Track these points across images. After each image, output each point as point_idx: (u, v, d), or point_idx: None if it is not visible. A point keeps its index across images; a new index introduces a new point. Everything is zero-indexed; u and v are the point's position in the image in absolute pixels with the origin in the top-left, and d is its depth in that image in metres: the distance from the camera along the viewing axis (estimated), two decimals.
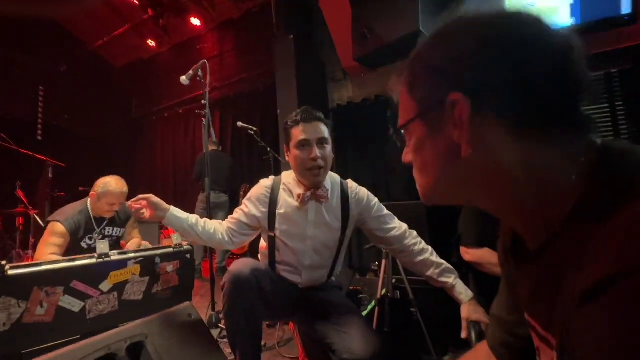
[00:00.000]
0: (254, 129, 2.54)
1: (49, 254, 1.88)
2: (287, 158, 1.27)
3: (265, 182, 1.30)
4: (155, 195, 1.16)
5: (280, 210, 1.23)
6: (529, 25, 0.35)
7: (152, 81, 5.91)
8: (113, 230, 2.15)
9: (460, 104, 0.36)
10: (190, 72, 1.98)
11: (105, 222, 2.10)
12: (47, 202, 3.34)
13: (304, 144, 1.16)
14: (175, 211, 1.16)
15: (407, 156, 0.45)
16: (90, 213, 2.04)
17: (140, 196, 1.14)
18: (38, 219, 3.46)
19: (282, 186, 1.27)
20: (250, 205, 1.26)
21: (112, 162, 6.12)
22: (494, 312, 0.58)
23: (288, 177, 1.29)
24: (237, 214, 1.27)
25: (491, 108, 0.35)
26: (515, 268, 0.45)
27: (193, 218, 1.18)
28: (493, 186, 0.37)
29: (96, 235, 2.08)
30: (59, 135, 5.41)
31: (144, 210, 1.11)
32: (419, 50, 0.42)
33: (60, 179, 3.89)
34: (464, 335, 1.04)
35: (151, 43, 5.45)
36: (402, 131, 0.44)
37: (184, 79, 1.98)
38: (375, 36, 2.76)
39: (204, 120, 2.00)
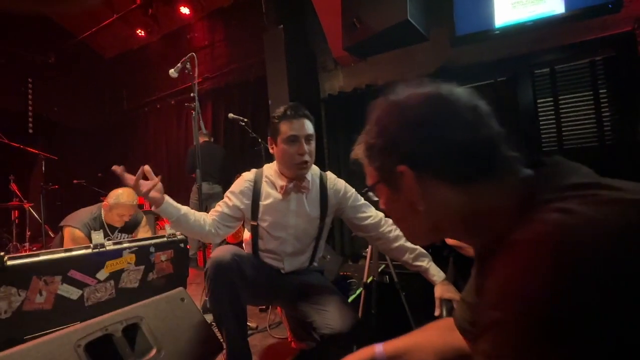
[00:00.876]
0: (245, 120, 2.56)
1: None
2: (271, 150, 1.32)
3: (248, 176, 1.35)
4: None
5: (263, 202, 1.29)
6: (442, 105, 0.45)
7: (142, 72, 5.85)
8: (121, 236, 2.22)
9: (406, 174, 0.46)
10: (179, 65, 2.00)
11: (117, 230, 2.19)
12: (41, 195, 3.36)
13: (292, 140, 1.22)
14: (170, 200, 1.19)
15: (383, 206, 0.55)
16: (104, 220, 2.12)
17: (150, 181, 1.11)
18: (33, 212, 3.50)
19: (264, 179, 1.33)
20: (234, 198, 1.30)
21: (105, 155, 6.12)
22: (464, 295, 0.67)
23: (269, 169, 1.35)
24: (220, 207, 1.30)
25: (429, 172, 0.45)
26: (481, 267, 0.53)
27: (184, 209, 1.21)
28: (451, 226, 0.48)
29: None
30: (49, 127, 5.37)
31: (143, 185, 1.09)
32: (368, 131, 0.52)
33: (53, 172, 3.90)
34: (437, 312, 1.12)
35: (140, 33, 5.37)
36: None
37: (172, 72, 1.99)
38: (365, 26, 2.76)
39: (194, 113, 2.02)
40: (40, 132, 5.06)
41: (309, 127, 1.24)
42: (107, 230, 2.14)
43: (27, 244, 3.49)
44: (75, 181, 4.36)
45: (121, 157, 6.14)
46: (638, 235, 0.29)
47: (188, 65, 1.99)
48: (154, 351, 0.96)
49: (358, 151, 0.55)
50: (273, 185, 1.31)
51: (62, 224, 2.10)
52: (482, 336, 0.34)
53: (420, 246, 1.35)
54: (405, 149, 0.46)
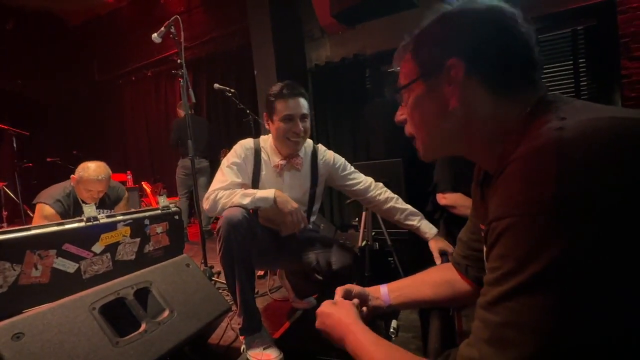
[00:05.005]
0: (232, 90, 2.48)
1: None
2: (267, 126, 1.37)
3: (248, 143, 1.37)
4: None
5: (262, 173, 1.35)
6: (510, 17, 0.47)
7: (113, 41, 5.45)
8: (103, 212, 2.10)
9: (457, 67, 0.46)
10: (162, 29, 1.87)
11: (97, 204, 2.02)
12: (16, 173, 3.19)
13: (288, 119, 1.28)
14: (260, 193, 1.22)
15: (402, 116, 0.55)
16: (77, 195, 1.97)
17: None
18: (8, 192, 3.33)
19: (262, 150, 1.38)
20: (241, 162, 1.32)
21: (78, 131, 5.80)
22: (460, 235, 0.72)
23: (265, 142, 1.40)
24: (232, 170, 1.29)
25: (478, 73, 0.46)
26: (482, 196, 0.58)
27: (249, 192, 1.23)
28: (471, 134, 0.49)
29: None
30: (14, 101, 5.00)
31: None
32: (425, 26, 0.52)
33: (24, 149, 3.69)
34: (439, 262, 1.19)
35: None
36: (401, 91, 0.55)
37: (155, 36, 1.87)
38: None
39: (182, 80, 1.93)
40: (5, 106, 4.70)
41: (304, 105, 1.31)
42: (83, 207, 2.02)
43: (4, 224, 3.35)
44: (49, 159, 4.14)
45: (96, 132, 5.85)
46: (623, 141, 0.33)
47: (172, 30, 1.88)
48: (166, 312, 0.99)
49: (402, 48, 0.55)
50: (269, 159, 1.37)
51: (34, 201, 1.96)
52: (495, 245, 0.37)
53: (413, 206, 1.43)
54: (463, 44, 0.47)
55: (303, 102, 1.30)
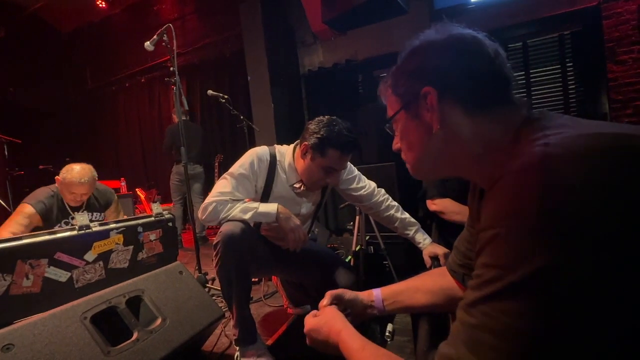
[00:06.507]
0: (225, 96, 2.50)
1: (9, 231, 1.78)
2: (298, 151, 1.26)
3: (263, 154, 1.27)
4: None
5: (275, 188, 1.28)
6: (471, 41, 0.52)
7: (106, 48, 5.45)
8: (92, 215, 2.07)
9: (431, 94, 0.51)
10: (155, 37, 1.88)
11: (83, 207, 2.01)
12: (7, 181, 3.16)
13: (332, 171, 1.22)
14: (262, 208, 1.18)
15: (397, 145, 0.60)
16: (62, 197, 1.94)
17: None
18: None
19: (277, 164, 1.28)
20: (249, 174, 1.24)
21: (71, 138, 5.76)
22: (456, 243, 0.73)
23: (283, 157, 1.30)
24: (236, 182, 1.21)
25: (451, 96, 0.50)
26: (478, 207, 0.59)
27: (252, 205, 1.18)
28: (457, 154, 0.52)
29: (72, 219, 1.97)
30: (6, 109, 4.95)
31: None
32: (399, 63, 0.57)
33: (17, 157, 3.65)
34: (428, 265, 1.22)
35: (101, 4, 4.96)
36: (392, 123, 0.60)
37: (148, 44, 1.88)
38: None
39: (175, 88, 1.94)
40: None
41: (348, 163, 1.30)
42: (69, 207, 1.95)
43: None
44: (41, 166, 4.10)
45: (89, 139, 5.82)
46: (605, 157, 0.34)
47: (165, 37, 1.89)
48: (159, 320, 0.99)
49: (383, 84, 0.60)
50: (285, 176, 1.29)
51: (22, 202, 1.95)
52: (480, 254, 0.39)
53: (406, 211, 1.45)
54: (432, 73, 0.52)
55: (349, 159, 1.25)
